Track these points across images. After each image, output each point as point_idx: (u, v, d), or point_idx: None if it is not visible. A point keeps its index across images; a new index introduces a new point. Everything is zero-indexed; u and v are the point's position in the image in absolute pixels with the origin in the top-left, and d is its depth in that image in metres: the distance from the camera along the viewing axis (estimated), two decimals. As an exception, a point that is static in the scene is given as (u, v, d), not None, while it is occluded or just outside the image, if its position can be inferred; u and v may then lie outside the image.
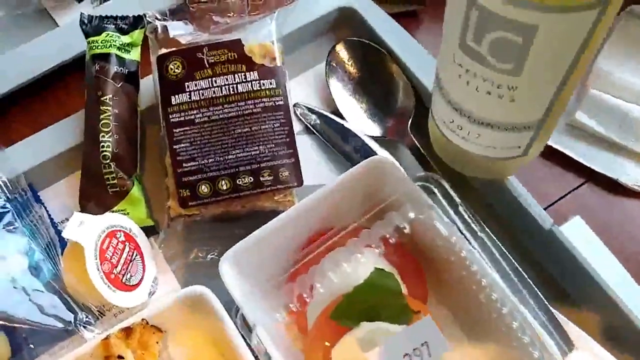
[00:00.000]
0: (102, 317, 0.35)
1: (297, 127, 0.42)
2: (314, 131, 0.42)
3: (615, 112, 0.40)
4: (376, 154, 0.40)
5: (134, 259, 0.36)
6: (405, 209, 0.31)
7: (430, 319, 0.28)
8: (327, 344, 0.30)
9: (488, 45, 0.24)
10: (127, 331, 0.30)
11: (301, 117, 0.43)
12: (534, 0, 0.21)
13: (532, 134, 0.30)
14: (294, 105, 0.43)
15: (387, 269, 0.31)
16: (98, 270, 0.32)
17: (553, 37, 0.23)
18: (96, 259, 0.33)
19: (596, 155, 0.40)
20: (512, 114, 0.28)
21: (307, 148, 0.41)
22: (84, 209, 0.37)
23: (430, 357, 0.26)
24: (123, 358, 0.29)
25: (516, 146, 0.31)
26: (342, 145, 0.41)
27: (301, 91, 0.43)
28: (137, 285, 0.35)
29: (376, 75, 0.43)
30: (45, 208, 0.38)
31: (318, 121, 0.42)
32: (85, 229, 0.33)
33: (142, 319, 0.31)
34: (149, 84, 0.40)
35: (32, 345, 0.32)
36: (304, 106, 0.43)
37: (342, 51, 0.43)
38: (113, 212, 0.37)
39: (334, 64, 0.43)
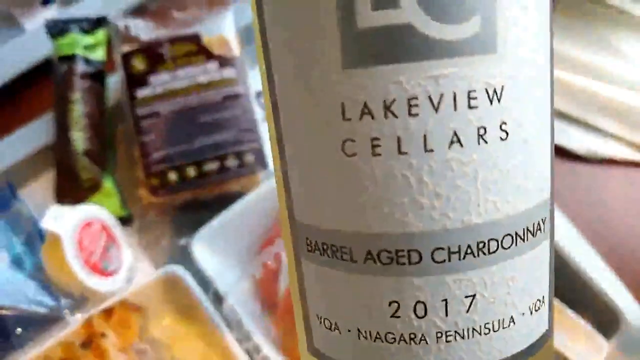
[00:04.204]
0: (84, 303, 0.37)
1: (260, 114, 0.44)
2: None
3: (558, 82, 0.43)
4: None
5: (110, 247, 0.37)
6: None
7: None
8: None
9: None
10: (108, 312, 0.33)
11: (265, 105, 0.45)
12: None
13: (548, 247, 0.13)
14: (260, 93, 0.45)
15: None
16: (77, 257, 0.34)
17: None
18: (73, 247, 0.34)
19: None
20: (514, 185, 0.12)
21: (271, 134, 0.44)
22: (60, 203, 0.39)
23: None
24: (106, 336, 0.31)
25: (537, 298, 0.13)
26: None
27: (263, 80, 0.45)
28: (115, 271, 0.37)
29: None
30: (25, 204, 0.40)
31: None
32: (61, 221, 0.35)
33: (121, 300, 0.33)
34: (116, 81, 0.42)
35: (18, 331, 0.34)
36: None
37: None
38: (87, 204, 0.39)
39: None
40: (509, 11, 0.11)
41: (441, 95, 0.11)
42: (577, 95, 0.42)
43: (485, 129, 0.11)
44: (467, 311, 0.12)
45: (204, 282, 0.34)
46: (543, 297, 0.13)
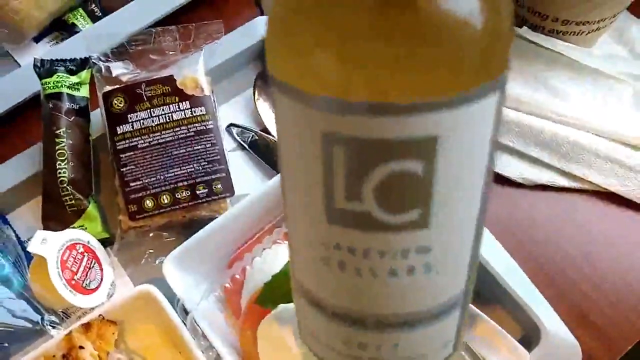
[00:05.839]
0: (67, 318, 0.41)
1: (231, 144, 0.49)
2: (247, 148, 0.49)
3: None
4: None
5: (93, 266, 0.42)
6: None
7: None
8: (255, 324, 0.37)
9: (373, 195, 0.15)
10: (86, 326, 0.37)
11: (236, 136, 0.49)
12: (429, 96, 0.14)
13: (459, 311, 0.19)
14: (230, 126, 0.49)
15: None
16: (60, 278, 0.39)
17: (459, 145, 0.15)
18: (58, 268, 0.39)
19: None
20: (435, 291, 0.18)
21: (240, 163, 0.48)
22: (46, 228, 0.43)
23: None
24: (84, 348, 0.35)
25: (447, 340, 0.20)
26: (271, 158, 0.48)
27: (233, 113, 0.50)
28: (96, 289, 0.41)
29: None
30: (13, 229, 0.44)
31: (251, 138, 0.49)
32: (47, 244, 0.39)
33: (99, 315, 0.37)
34: (99, 116, 0.46)
35: (6, 344, 0.38)
36: (239, 126, 0.50)
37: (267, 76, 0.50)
38: (72, 228, 0.43)
39: (260, 87, 0.50)
40: (443, 204, 0.16)
41: (384, 251, 0.16)
42: (514, 128, 0.47)
43: (414, 267, 0.17)
44: (394, 351, 0.19)
45: (175, 298, 0.39)
46: (450, 338, 0.20)
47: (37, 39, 0.55)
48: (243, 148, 0.49)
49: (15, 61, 0.54)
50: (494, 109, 0.15)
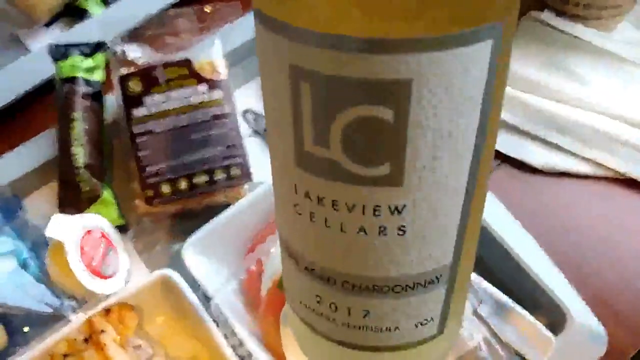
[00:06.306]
0: (85, 303, 0.40)
1: (247, 130, 0.48)
2: (262, 134, 0.48)
3: (518, 102, 0.47)
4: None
5: (109, 252, 0.41)
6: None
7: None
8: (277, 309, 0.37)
9: (340, 142, 0.14)
10: (107, 311, 0.36)
11: (252, 122, 0.49)
12: (397, 33, 0.12)
13: (444, 288, 0.18)
14: (245, 112, 0.49)
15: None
16: (79, 261, 0.38)
17: (440, 94, 0.13)
18: (76, 253, 0.38)
19: (505, 140, 0.47)
20: (410, 259, 0.17)
21: (257, 149, 0.47)
22: (62, 213, 0.43)
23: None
24: (105, 332, 0.35)
25: (425, 318, 0.19)
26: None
27: (248, 98, 0.49)
28: (113, 275, 0.41)
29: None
30: (29, 213, 0.44)
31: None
32: (64, 228, 0.38)
33: (119, 300, 0.37)
34: (113, 100, 0.45)
35: (25, 330, 0.37)
36: (254, 112, 0.49)
37: (283, 61, 0.49)
38: (88, 213, 0.42)
39: (276, 73, 0.49)
40: (418, 161, 0.14)
41: (354, 205, 0.15)
42: (535, 114, 0.47)
43: (385, 227, 0.16)
44: (363, 317, 0.18)
45: (195, 284, 0.38)
46: (432, 317, 0.19)
47: (47, 24, 0.54)
48: (259, 134, 0.48)
49: (26, 47, 0.53)
50: (482, 61, 0.13)
